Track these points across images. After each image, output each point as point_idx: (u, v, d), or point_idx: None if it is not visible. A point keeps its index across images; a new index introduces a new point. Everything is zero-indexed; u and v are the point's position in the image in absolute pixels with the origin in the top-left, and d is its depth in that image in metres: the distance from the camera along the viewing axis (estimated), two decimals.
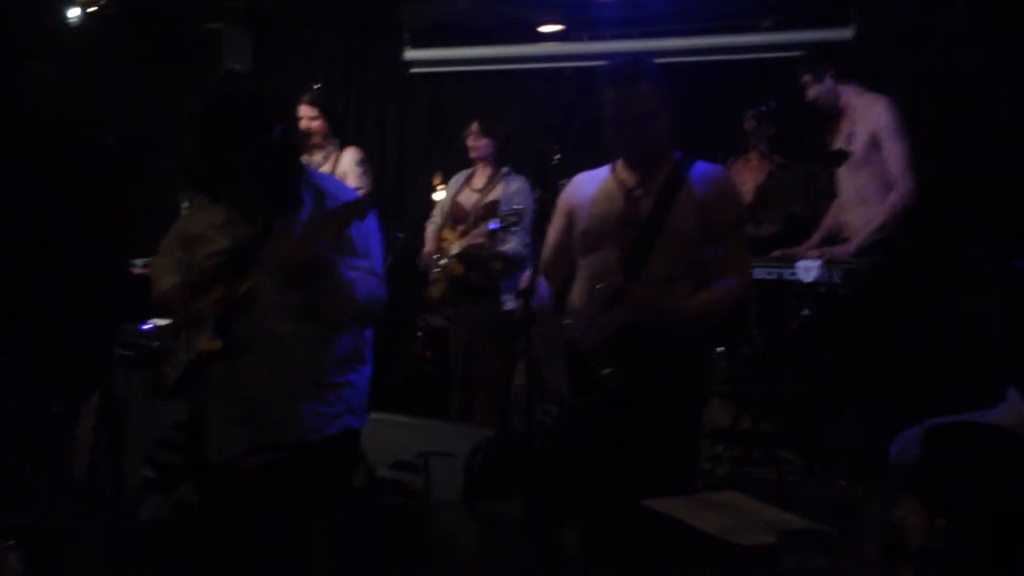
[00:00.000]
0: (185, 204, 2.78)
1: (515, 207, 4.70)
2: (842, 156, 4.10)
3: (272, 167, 2.54)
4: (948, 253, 4.22)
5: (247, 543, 2.10)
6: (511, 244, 4.68)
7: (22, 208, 5.56)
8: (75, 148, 4.99)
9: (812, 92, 4.37)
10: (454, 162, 5.47)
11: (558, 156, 4.72)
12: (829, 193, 4.58)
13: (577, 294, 2.73)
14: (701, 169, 2.72)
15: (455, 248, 4.82)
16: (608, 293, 2.58)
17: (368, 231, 2.65)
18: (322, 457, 2.59)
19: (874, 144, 4.17)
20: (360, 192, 4.76)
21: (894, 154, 4.13)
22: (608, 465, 2.54)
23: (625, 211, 2.67)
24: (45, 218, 5.48)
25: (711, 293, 2.62)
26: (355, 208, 2.46)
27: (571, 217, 2.81)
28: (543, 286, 2.83)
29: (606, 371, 2.52)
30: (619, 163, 2.74)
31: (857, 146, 4.21)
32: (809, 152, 4.97)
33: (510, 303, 4.71)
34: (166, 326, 2.70)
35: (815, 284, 4.00)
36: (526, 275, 2.91)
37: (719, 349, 4.97)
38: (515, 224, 4.59)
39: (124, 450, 2.54)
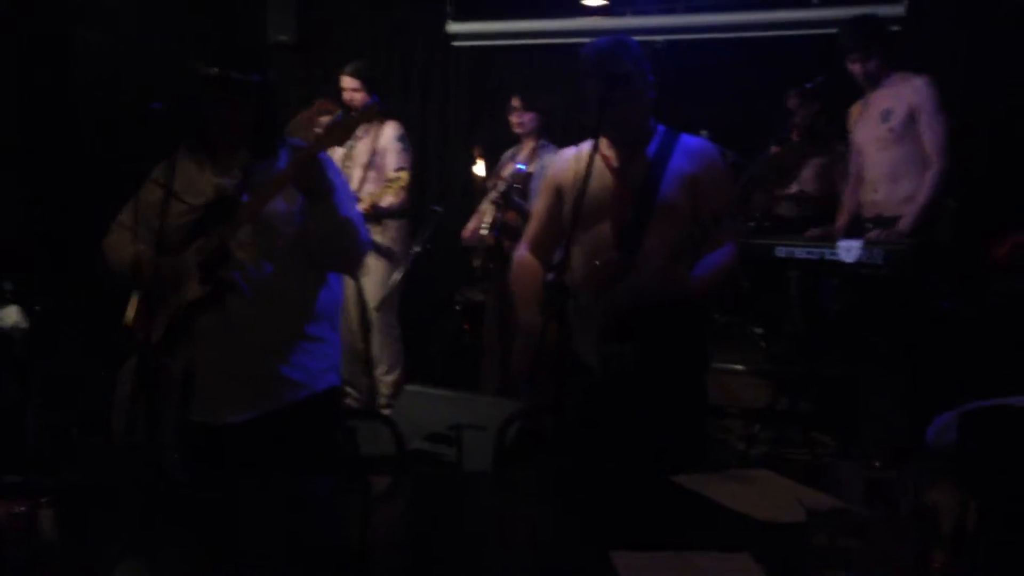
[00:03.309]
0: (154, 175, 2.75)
1: (517, 170, 4.77)
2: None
3: (261, 106, 2.56)
4: (991, 238, 4.14)
5: (264, 508, 2.12)
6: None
7: (71, 171, 5.65)
8: (123, 112, 5.04)
9: (857, 68, 4.29)
10: (496, 136, 5.47)
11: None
12: (845, 172, 4.56)
13: (576, 269, 2.71)
14: (687, 143, 2.74)
15: (487, 219, 4.86)
16: (609, 270, 2.59)
17: (343, 184, 2.66)
18: (313, 415, 2.61)
19: (911, 120, 4.14)
20: (401, 170, 4.78)
21: (933, 130, 4.10)
22: (629, 437, 2.55)
23: (615, 189, 2.68)
24: (93, 182, 5.56)
25: (712, 266, 2.62)
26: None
27: (559, 195, 2.82)
28: (525, 262, 2.88)
29: (618, 348, 2.54)
30: (602, 140, 2.70)
31: (894, 123, 4.18)
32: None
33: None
34: (134, 310, 2.67)
35: (857, 265, 3.95)
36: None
37: (758, 330, 4.95)
38: (519, 190, 4.70)
39: (160, 413, 2.56)
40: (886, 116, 4.21)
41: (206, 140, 2.64)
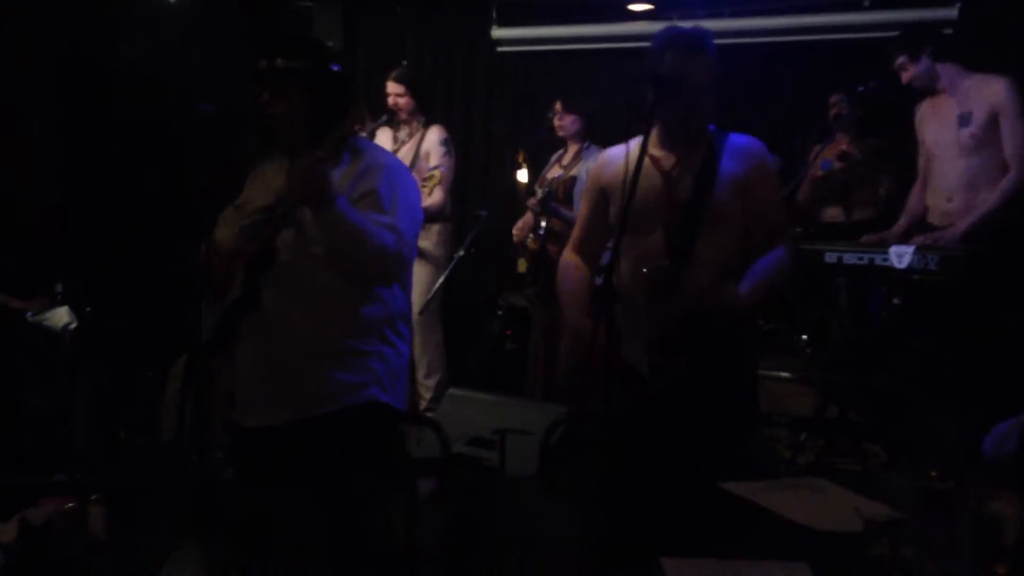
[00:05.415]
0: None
1: (555, 178, 4.75)
2: None
3: (315, 99, 2.53)
4: None
5: (308, 509, 2.12)
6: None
7: (118, 176, 5.73)
8: (171, 116, 5.10)
9: (908, 74, 4.19)
10: (540, 141, 5.46)
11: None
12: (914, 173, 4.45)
13: (624, 275, 2.64)
14: (736, 142, 2.68)
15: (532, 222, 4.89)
16: (658, 279, 2.55)
17: (399, 190, 2.58)
18: (345, 428, 2.54)
19: (992, 124, 3.98)
20: (435, 168, 4.79)
21: (1015, 136, 3.94)
22: (677, 444, 2.52)
23: (665, 193, 2.62)
24: (139, 184, 5.64)
25: (764, 273, 2.58)
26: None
27: (605, 198, 2.77)
28: (572, 265, 2.84)
29: (668, 361, 2.51)
30: (652, 139, 2.61)
31: (974, 129, 4.02)
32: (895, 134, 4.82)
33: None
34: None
35: (909, 270, 3.86)
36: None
37: (804, 336, 4.88)
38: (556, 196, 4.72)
39: (208, 414, 2.57)
40: (965, 120, 4.05)
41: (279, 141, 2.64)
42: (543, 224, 4.85)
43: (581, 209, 2.93)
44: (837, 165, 4.56)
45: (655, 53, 2.61)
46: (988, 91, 4.02)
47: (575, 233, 2.91)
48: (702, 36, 2.63)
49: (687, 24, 2.70)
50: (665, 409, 2.55)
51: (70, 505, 1.74)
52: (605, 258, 2.81)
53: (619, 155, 2.69)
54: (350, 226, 2.43)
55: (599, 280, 2.75)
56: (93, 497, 1.77)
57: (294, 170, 2.41)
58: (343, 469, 2.52)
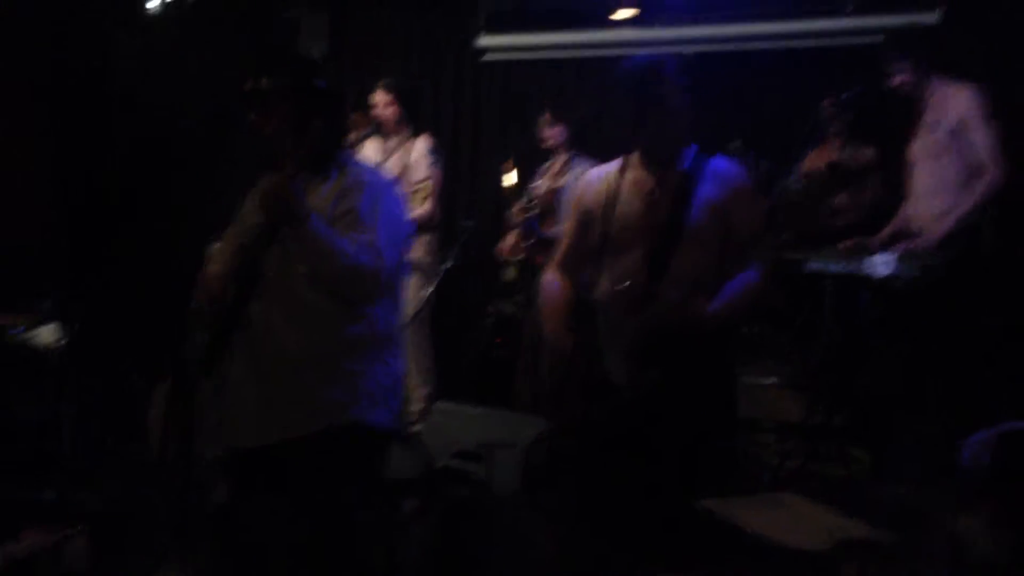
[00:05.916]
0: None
1: (532, 188, 4.78)
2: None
3: (311, 111, 2.53)
4: None
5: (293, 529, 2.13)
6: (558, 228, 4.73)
7: (106, 185, 5.72)
8: (158, 126, 5.09)
9: (901, 78, 4.21)
10: (528, 149, 5.47)
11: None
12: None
13: (604, 291, 2.70)
14: (717, 167, 2.73)
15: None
16: (633, 295, 2.59)
17: (379, 208, 2.57)
18: (332, 447, 2.51)
19: (959, 131, 4.05)
20: (424, 180, 4.81)
21: (983, 140, 4.00)
22: (658, 457, 2.54)
23: (645, 216, 2.67)
24: (127, 195, 5.63)
25: (735, 292, 2.62)
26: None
27: (587, 218, 2.82)
28: (555, 281, 2.87)
29: (646, 374, 2.53)
30: (634, 161, 2.67)
31: (939, 133, 4.09)
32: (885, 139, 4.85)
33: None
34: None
35: (893, 277, 3.89)
36: None
37: (790, 342, 4.90)
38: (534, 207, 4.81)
39: (194, 434, 2.58)
40: (934, 127, 4.14)
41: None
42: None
43: (564, 228, 2.99)
44: (802, 183, 4.63)
45: (621, 86, 2.66)
46: (957, 100, 4.09)
47: (558, 252, 2.96)
48: (662, 66, 2.68)
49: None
50: (644, 420, 2.57)
51: (52, 538, 1.75)
52: (586, 276, 2.85)
53: (601, 177, 2.77)
54: (322, 244, 2.43)
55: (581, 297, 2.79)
56: (71, 531, 1.78)
57: (264, 188, 2.43)
58: (329, 488, 2.52)
